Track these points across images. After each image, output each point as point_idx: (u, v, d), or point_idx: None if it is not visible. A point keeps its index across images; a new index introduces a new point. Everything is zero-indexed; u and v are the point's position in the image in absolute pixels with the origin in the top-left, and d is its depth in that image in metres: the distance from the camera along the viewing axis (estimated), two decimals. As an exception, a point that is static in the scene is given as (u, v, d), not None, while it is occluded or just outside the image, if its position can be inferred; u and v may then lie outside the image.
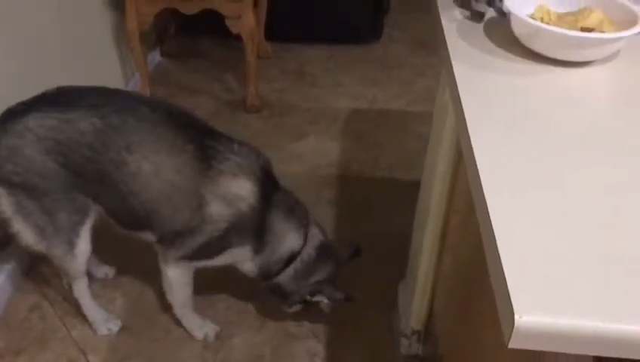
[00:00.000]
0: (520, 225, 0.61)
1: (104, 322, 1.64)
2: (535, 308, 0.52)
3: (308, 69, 2.95)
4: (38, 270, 1.81)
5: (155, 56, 2.90)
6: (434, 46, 3.18)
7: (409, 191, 2.16)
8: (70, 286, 1.60)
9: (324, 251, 1.47)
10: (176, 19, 2.94)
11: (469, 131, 0.75)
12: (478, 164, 0.70)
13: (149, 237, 1.41)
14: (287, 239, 1.42)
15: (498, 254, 0.58)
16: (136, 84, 2.58)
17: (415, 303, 1.50)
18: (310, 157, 2.34)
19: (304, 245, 1.43)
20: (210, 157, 1.32)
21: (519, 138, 0.76)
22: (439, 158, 1.25)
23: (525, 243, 0.59)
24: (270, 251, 1.41)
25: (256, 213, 1.34)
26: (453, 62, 0.91)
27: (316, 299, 1.49)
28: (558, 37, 0.87)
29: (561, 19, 0.94)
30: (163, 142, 1.31)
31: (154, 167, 1.30)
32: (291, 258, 1.43)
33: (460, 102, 0.82)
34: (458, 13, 1.10)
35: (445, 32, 1.02)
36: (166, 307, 1.68)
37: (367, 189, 2.21)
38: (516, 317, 0.51)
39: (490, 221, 0.62)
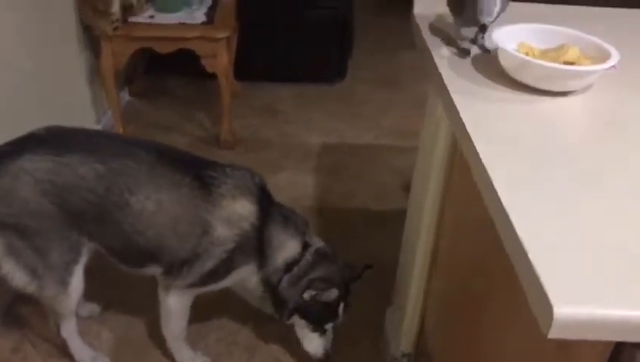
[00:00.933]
0: (540, 225, 0.69)
1: (92, 361, 1.61)
2: (570, 299, 0.59)
3: (278, 106, 3.04)
4: (17, 311, 1.77)
5: (124, 96, 2.91)
6: (396, 84, 3.34)
7: (385, 221, 2.26)
8: (57, 327, 1.58)
9: (322, 256, 1.50)
10: (144, 59, 2.97)
11: (481, 156, 0.83)
12: (491, 178, 0.78)
13: (154, 270, 1.44)
14: (285, 248, 1.47)
15: (526, 254, 0.65)
16: (107, 123, 2.59)
17: (405, 326, 1.56)
18: (287, 190, 2.39)
19: (303, 253, 1.48)
20: (208, 185, 1.38)
21: (527, 154, 0.85)
22: (429, 184, 1.33)
23: (548, 240, 0.67)
24: (271, 262, 1.46)
25: (258, 229, 1.41)
26: (453, 95, 1.00)
27: (307, 297, 1.46)
28: (547, 69, 0.98)
29: (544, 54, 1.05)
30: (162, 180, 1.36)
31: (157, 204, 1.34)
32: (290, 266, 1.47)
33: (465, 128, 0.91)
34: (446, 50, 1.20)
35: (439, 68, 1.11)
36: (155, 341, 1.67)
37: (345, 221, 2.28)
38: (555, 309, 0.58)
39: (512, 224, 0.69)
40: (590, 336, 0.60)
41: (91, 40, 2.40)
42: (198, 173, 1.39)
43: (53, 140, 1.35)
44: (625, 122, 0.98)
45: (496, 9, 1.09)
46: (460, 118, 0.93)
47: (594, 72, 0.99)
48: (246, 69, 3.02)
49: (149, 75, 3.07)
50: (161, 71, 3.09)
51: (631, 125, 0.97)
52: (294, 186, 2.44)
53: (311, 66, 3.19)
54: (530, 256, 0.65)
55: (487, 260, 1.04)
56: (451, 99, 1.00)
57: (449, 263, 1.33)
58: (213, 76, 2.48)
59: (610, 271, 0.64)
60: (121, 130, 2.49)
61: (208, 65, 2.38)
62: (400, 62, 3.56)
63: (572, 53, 1.03)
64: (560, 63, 1.01)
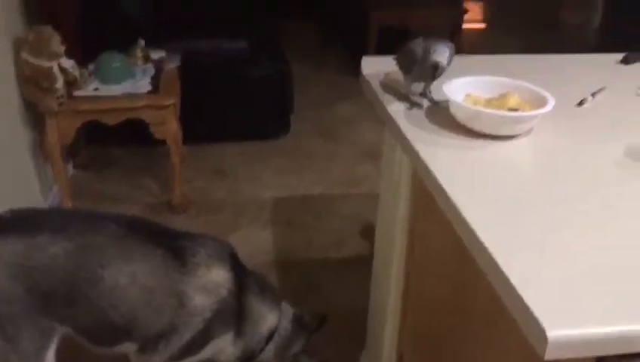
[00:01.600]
0: (522, 258, 0.78)
1: None
2: (560, 322, 0.67)
3: (225, 165, 3.07)
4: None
5: (69, 169, 2.86)
6: (338, 135, 3.47)
7: (346, 268, 2.32)
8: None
9: (298, 323, 1.57)
10: (86, 131, 2.95)
11: (454, 201, 0.92)
12: (468, 222, 0.86)
13: (128, 348, 1.40)
14: (266, 317, 1.50)
15: (513, 287, 0.73)
16: (55, 199, 2.54)
17: (383, 368, 1.60)
18: (245, 248, 2.37)
19: (279, 321, 1.51)
20: (181, 255, 1.38)
21: (496, 194, 0.95)
22: (395, 227, 1.40)
23: (530, 270, 0.75)
24: (251, 332, 1.47)
25: (235, 296, 1.41)
26: (416, 146, 1.09)
27: None
28: (497, 117, 1.09)
29: (489, 103, 1.17)
30: (134, 252, 1.36)
31: (130, 277, 1.33)
32: (271, 335, 1.49)
33: (435, 177, 1.00)
34: (399, 104, 1.30)
35: (397, 122, 1.21)
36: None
37: (306, 272, 2.32)
38: (548, 334, 0.66)
39: (496, 262, 0.77)
40: (581, 353, 0.67)
41: (35, 116, 2.37)
42: (171, 244, 1.40)
43: (20, 222, 1.33)
44: (566, 158, 1.10)
45: (446, 65, 1.22)
46: (428, 167, 1.02)
47: (536, 116, 1.11)
48: (190, 131, 3.04)
49: (93, 147, 3.04)
50: (105, 141, 3.07)
51: (571, 159, 1.09)
52: (251, 243, 2.46)
53: (255, 124, 3.28)
54: (518, 288, 0.72)
55: (462, 297, 1.11)
56: (416, 150, 1.09)
57: (422, 303, 1.39)
58: (157, 142, 2.50)
59: (588, 291, 0.73)
60: (69, 205, 2.44)
61: (157, 132, 2.40)
62: (339, 114, 3.71)
63: (514, 101, 1.16)
64: (506, 110, 1.13)
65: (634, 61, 1.56)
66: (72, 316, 1.36)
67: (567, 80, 1.45)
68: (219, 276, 1.40)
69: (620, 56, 1.60)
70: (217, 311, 1.38)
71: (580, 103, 1.30)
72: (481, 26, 6.01)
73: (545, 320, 0.67)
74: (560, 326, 0.67)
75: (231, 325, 1.44)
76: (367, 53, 3.79)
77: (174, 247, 1.39)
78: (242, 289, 1.44)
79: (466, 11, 4.34)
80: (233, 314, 1.43)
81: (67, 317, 1.36)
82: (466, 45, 4.59)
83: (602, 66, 1.57)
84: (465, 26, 4.32)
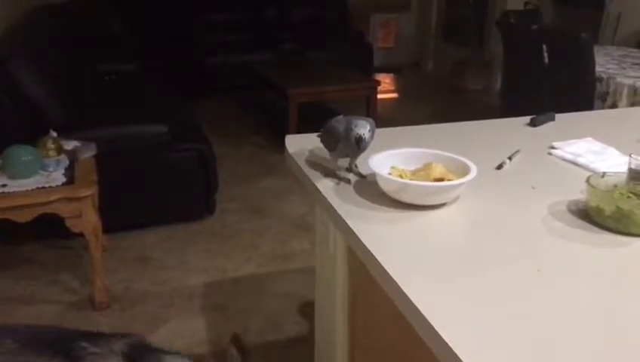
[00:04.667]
0: (458, 324, 0.76)
1: None
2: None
3: (149, 253, 2.93)
4: None
5: (-25, 272, 2.63)
6: (264, 210, 3.44)
7: (287, 351, 2.22)
8: None
9: None
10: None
11: (389, 271, 0.90)
12: (408, 296, 0.84)
13: None
14: None
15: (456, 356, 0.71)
16: (-41, 307, 2.30)
17: None
18: (175, 341, 2.26)
19: None
20: (75, 359, 1.27)
21: (431, 265, 0.94)
22: (336, 301, 1.36)
23: (471, 339, 0.73)
24: None
25: None
26: (348, 222, 1.08)
27: None
28: (424, 188, 1.11)
29: (415, 174, 1.19)
30: None
31: None
32: None
33: (368, 249, 0.98)
34: (326, 181, 1.30)
35: (327, 198, 1.20)
36: None
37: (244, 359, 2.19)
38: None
39: (438, 333, 0.75)
40: None
41: None
42: (68, 347, 1.29)
43: None
44: (495, 221, 1.12)
45: (369, 138, 1.24)
46: (362, 242, 1.01)
47: (462, 184, 1.14)
48: (111, 220, 2.90)
49: (1, 244, 2.82)
50: (14, 238, 2.86)
51: (500, 222, 1.11)
52: (184, 335, 2.31)
53: (179, 207, 3.18)
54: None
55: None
56: (348, 226, 1.08)
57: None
58: (73, 234, 2.36)
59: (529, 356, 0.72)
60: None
61: (74, 226, 2.27)
62: (264, 189, 3.70)
63: (438, 170, 1.18)
64: (431, 181, 1.15)
65: (540, 123, 1.67)
66: None
67: (482, 145, 1.51)
68: None
69: (527, 119, 1.70)
70: None
71: (499, 167, 1.35)
72: (394, 95, 6.31)
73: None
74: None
75: None
76: (287, 128, 3.87)
77: (70, 351, 1.28)
78: None
79: (378, 83, 4.55)
80: None
81: None
82: (382, 113, 4.79)
83: (512, 130, 1.66)
84: (379, 96, 4.50)
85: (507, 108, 4.07)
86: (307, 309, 2.44)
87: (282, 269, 2.79)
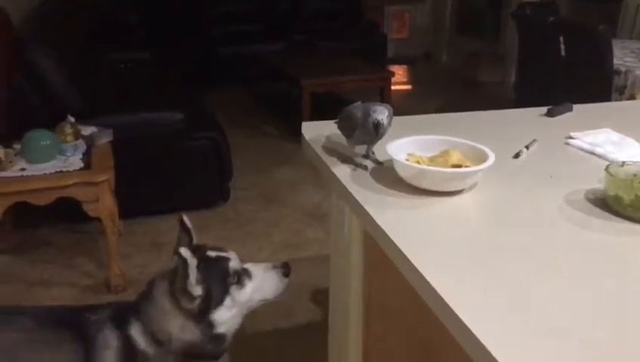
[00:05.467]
0: (484, 312, 0.76)
1: None
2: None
3: (163, 239, 2.96)
4: None
5: (-6, 255, 2.68)
6: (277, 199, 3.45)
7: (299, 338, 2.24)
8: None
9: None
10: (11, 213, 2.78)
11: (408, 256, 0.91)
12: (429, 281, 0.85)
13: None
14: None
15: (482, 346, 0.71)
16: (-22, 288, 2.34)
17: None
18: (191, 325, 2.29)
19: None
20: (86, 333, 1.32)
21: (451, 251, 0.95)
22: (350, 291, 1.38)
23: (497, 327, 0.74)
24: None
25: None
26: (366, 208, 1.09)
27: None
28: (442, 174, 1.11)
29: (432, 161, 1.20)
30: (43, 346, 1.31)
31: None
32: None
33: (387, 234, 0.99)
34: (344, 167, 1.31)
35: (345, 184, 1.21)
36: None
37: (257, 344, 2.22)
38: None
39: (463, 322, 0.76)
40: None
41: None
42: (81, 321, 1.34)
43: None
44: (512, 209, 1.13)
45: (387, 124, 1.24)
46: (381, 227, 1.02)
47: (480, 171, 1.14)
48: (126, 205, 2.94)
49: (20, 228, 2.87)
50: (33, 222, 2.91)
51: (517, 210, 1.12)
52: (197, 319, 2.34)
53: (193, 194, 3.21)
54: (488, 346, 0.71)
55: (429, 355, 1.09)
56: (366, 211, 1.09)
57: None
58: (91, 218, 2.40)
59: (553, 347, 0.72)
60: (-5, 294, 2.26)
61: (91, 210, 2.30)
62: (278, 178, 3.71)
63: (456, 157, 1.19)
64: (449, 167, 1.16)
65: (558, 114, 1.66)
66: None
67: (499, 135, 1.51)
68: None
69: (543, 109, 1.70)
70: None
71: (516, 156, 1.35)
72: (407, 87, 6.29)
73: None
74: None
75: None
76: (300, 118, 3.89)
77: (83, 325, 1.33)
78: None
79: (392, 75, 4.54)
80: None
81: None
82: (395, 105, 4.77)
83: (529, 120, 1.66)
84: (393, 88, 4.49)
85: (522, 102, 4.05)
86: (320, 297, 2.46)
87: (295, 257, 2.80)
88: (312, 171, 3.73)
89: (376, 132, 1.23)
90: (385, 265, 1.23)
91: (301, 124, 1.57)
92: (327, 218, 3.14)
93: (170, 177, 3.10)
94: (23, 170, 2.27)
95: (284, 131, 4.57)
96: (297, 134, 1.54)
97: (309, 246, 2.91)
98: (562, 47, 3.58)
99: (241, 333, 2.26)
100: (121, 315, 1.36)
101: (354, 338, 1.40)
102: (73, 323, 1.34)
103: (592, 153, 1.39)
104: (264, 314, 2.37)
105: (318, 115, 1.50)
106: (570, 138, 1.47)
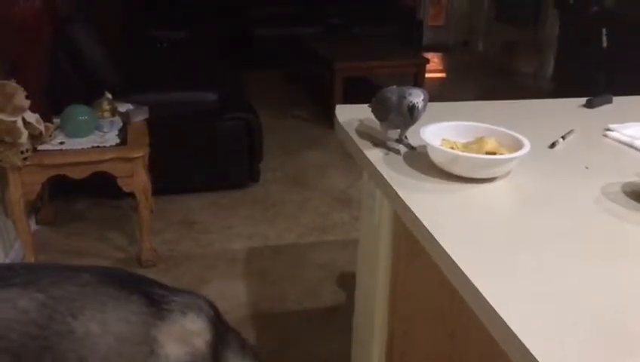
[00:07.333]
0: (516, 300, 0.76)
1: None
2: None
3: (194, 217, 3.02)
4: None
5: (31, 225, 2.75)
6: (306, 182, 3.48)
7: (323, 319, 2.27)
8: None
9: None
10: (49, 185, 2.87)
11: (441, 243, 0.91)
12: (459, 266, 0.85)
13: None
14: None
15: (512, 333, 0.71)
16: (17, 256, 2.43)
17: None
18: (218, 302, 2.31)
19: None
20: (156, 302, 1.33)
21: (484, 238, 0.94)
22: (378, 273, 1.38)
23: (528, 315, 0.74)
24: None
25: (213, 349, 1.35)
26: (399, 191, 1.09)
27: None
28: (475, 161, 1.11)
29: (467, 147, 1.19)
30: (107, 299, 1.30)
31: (101, 325, 1.27)
32: None
33: (418, 218, 0.99)
34: (377, 150, 1.31)
35: (377, 167, 1.21)
36: None
37: (282, 324, 2.25)
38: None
39: (493, 309, 0.76)
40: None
41: (-4, 171, 2.29)
42: (145, 291, 1.35)
43: None
44: (546, 198, 1.11)
45: (422, 108, 1.24)
46: (412, 211, 1.02)
47: (515, 158, 1.13)
48: (158, 183, 3.00)
49: (56, 201, 2.95)
50: (68, 195, 3.00)
51: (552, 200, 1.10)
52: (224, 297, 2.39)
53: (224, 173, 3.25)
54: (518, 334, 0.71)
55: (454, 340, 1.09)
56: (398, 195, 1.09)
57: (409, 349, 1.37)
58: (123, 195, 2.45)
59: (583, 334, 0.72)
60: (32, 261, 2.34)
61: (125, 185, 2.35)
62: (308, 162, 3.73)
63: (491, 144, 1.18)
64: (483, 154, 1.15)
65: (597, 105, 1.63)
66: None
67: (536, 124, 1.49)
68: (194, 325, 1.34)
69: (582, 100, 1.67)
70: None
71: (552, 145, 1.33)
72: (441, 75, 6.22)
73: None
74: (562, 369, 0.65)
75: None
76: (332, 103, 3.87)
77: (148, 294, 1.34)
78: (222, 343, 1.38)
79: (427, 61, 4.49)
80: None
81: None
82: (429, 92, 4.72)
83: (567, 110, 1.63)
84: (427, 75, 4.44)
85: (559, 93, 3.97)
86: (344, 280, 2.48)
87: (322, 240, 2.83)
88: (340, 156, 3.75)
89: (411, 115, 1.23)
90: (413, 249, 1.24)
91: (332, 108, 1.57)
92: (354, 203, 3.17)
93: (202, 156, 3.15)
94: (62, 143, 2.34)
95: (314, 115, 4.57)
96: (328, 119, 1.55)
97: (335, 229, 2.93)
98: (604, 38, 3.48)
99: (266, 313, 2.32)
100: None
101: (379, 319, 1.41)
102: (137, 285, 1.34)
103: (631, 146, 1.36)
104: (290, 294, 2.42)
105: (351, 100, 1.50)
106: (609, 130, 1.44)
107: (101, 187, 2.64)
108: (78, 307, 1.26)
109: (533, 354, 0.67)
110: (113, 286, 1.32)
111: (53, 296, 1.25)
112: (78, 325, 1.25)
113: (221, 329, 1.40)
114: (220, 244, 2.78)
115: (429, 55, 6.13)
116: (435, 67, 6.30)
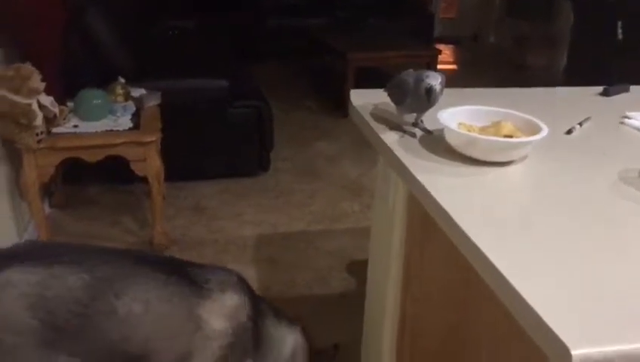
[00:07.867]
0: (535, 278, 0.77)
1: None
2: (582, 340, 0.66)
3: (205, 203, 3.03)
4: None
5: (45, 209, 2.78)
6: (316, 172, 3.48)
7: (332, 305, 2.28)
8: None
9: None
10: (61, 170, 2.89)
11: (460, 225, 0.91)
12: (477, 245, 0.86)
13: None
14: (285, 339, 1.51)
15: (532, 309, 0.72)
16: (30, 238, 2.45)
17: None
18: (228, 287, 2.35)
19: (298, 341, 1.53)
20: (194, 282, 1.38)
21: (502, 218, 0.95)
22: (391, 254, 1.39)
23: (547, 292, 0.74)
24: (273, 357, 1.47)
25: (253, 321, 1.40)
26: (416, 175, 1.09)
27: None
28: (492, 143, 1.11)
29: (484, 131, 1.19)
30: (148, 280, 1.35)
31: (144, 305, 1.31)
32: (294, 355, 1.50)
33: (436, 200, 0.99)
34: (392, 134, 1.31)
35: (394, 151, 1.21)
36: None
37: (292, 310, 2.25)
38: (572, 352, 0.65)
39: (513, 287, 0.76)
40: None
41: (10, 153, 2.31)
42: (182, 271, 1.39)
43: (38, 252, 1.31)
44: (563, 183, 1.11)
45: (439, 91, 1.24)
46: (430, 193, 1.02)
47: (532, 142, 1.13)
48: (169, 169, 3.00)
49: (68, 185, 2.97)
50: (81, 180, 3.02)
51: (568, 184, 1.10)
52: (235, 282, 2.40)
53: (235, 161, 3.27)
54: (538, 310, 0.71)
55: (468, 323, 1.10)
56: (415, 177, 1.09)
57: (421, 332, 1.37)
58: (135, 180, 2.47)
59: (604, 310, 0.72)
60: (45, 245, 2.36)
61: (138, 169, 2.37)
62: (318, 151, 3.73)
63: (508, 128, 1.18)
64: (501, 137, 1.15)
65: (614, 93, 1.62)
66: (82, 350, 1.31)
67: (552, 110, 1.48)
68: (234, 300, 1.39)
69: (599, 88, 1.66)
70: (235, 336, 1.36)
71: (569, 132, 1.33)
72: (453, 67, 6.19)
73: (568, 339, 0.66)
74: (582, 345, 0.66)
75: (249, 352, 1.42)
76: (343, 93, 3.85)
77: (185, 274, 1.39)
78: (259, 313, 1.43)
79: (439, 52, 4.47)
80: (251, 339, 1.41)
81: (77, 351, 1.31)
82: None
83: (584, 98, 1.62)
84: (438, 67, 4.43)
85: (572, 85, 3.92)
86: (355, 268, 2.48)
87: (331, 229, 2.84)
88: (351, 147, 3.74)
89: (428, 98, 1.23)
90: (427, 233, 1.24)
91: (343, 98, 1.58)
92: (364, 192, 3.17)
93: (213, 144, 3.16)
94: (75, 126, 2.35)
95: (326, 105, 4.57)
96: (338, 109, 1.56)
97: (345, 218, 2.94)
98: (620, 31, 3.45)
99: (276, 297, 2.33)
100: None
101: (391, 302, 1.42)
102: (183, 273, 1.39)
103: (649, 133, 1.35)
104: (300, 280, 2.43)
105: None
106: (626, 117, 1.43)
107: (113, 172, 2.66)
108: (119, 287, 1.31)
109: (557, 333, 0.68)
110: (151, 268, 1.37)
111: (97, 276, 1.30)
112: (121, 305, 1.29)
113: (256, 301, 1.44)
114: (231, 230, 2.79)
115: (440, 47, 6.10)
116: (446, 59, 6.27)
